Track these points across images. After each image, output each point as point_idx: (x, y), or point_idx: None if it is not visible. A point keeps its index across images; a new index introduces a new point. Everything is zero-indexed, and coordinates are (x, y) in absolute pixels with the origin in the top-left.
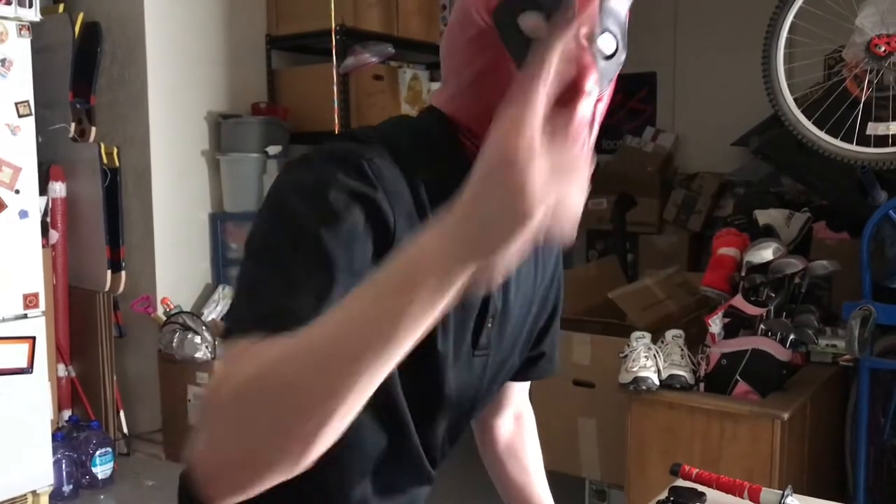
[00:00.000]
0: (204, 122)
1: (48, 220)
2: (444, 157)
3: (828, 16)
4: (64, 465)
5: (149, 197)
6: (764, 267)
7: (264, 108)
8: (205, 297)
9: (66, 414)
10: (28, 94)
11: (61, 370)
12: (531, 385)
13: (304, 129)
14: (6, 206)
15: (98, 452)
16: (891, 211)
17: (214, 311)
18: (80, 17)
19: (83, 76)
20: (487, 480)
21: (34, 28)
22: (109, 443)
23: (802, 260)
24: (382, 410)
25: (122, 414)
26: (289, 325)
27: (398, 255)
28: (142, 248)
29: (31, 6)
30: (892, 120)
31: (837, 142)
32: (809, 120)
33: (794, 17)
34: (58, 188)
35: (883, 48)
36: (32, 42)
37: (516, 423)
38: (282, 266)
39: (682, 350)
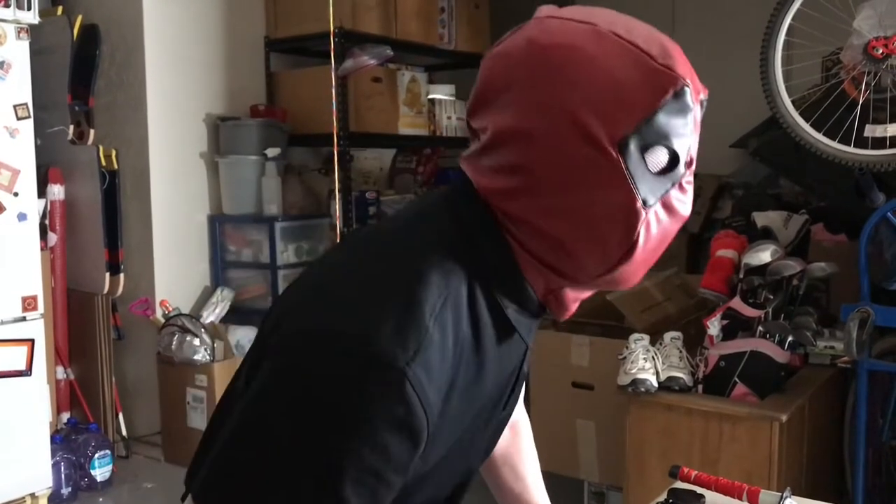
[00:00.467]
0: (202, 125)
1: (47, 222)
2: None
3: (825, 18)
4: (62, 468)
5: (147, 199)
6: (762, 269)
7: (263, 111)
8: (203, 300)
9: (65, 416)
10: (26, 96)
11: (60, 373)
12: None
13: (303, 132)
14: (5, 209)
15: (97, 455)
16: (889, 213)
17: (213, 314)
18: (79, 19)
19: (82, 79)
20: (484, 486)
21: (33, 30)
22: (108, 445)
23: (800, 262)
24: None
25: (120, 416)
26: None
27: None
28: (140, 250)
29: (29, 8)
30: (890, 122)
31: (835, 144)
32: (807, 122)
33: (792, 19)
34: (56, 191)
35: (880, 50)
36: (31, 44)
37: (512, 431)
38: (288, 488)
39: (681, 352)
